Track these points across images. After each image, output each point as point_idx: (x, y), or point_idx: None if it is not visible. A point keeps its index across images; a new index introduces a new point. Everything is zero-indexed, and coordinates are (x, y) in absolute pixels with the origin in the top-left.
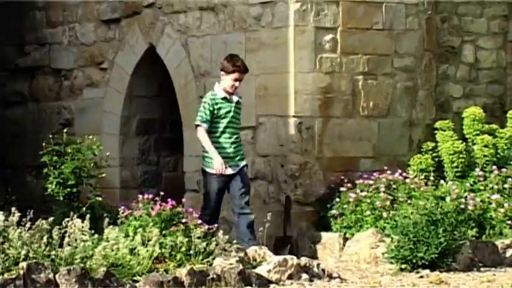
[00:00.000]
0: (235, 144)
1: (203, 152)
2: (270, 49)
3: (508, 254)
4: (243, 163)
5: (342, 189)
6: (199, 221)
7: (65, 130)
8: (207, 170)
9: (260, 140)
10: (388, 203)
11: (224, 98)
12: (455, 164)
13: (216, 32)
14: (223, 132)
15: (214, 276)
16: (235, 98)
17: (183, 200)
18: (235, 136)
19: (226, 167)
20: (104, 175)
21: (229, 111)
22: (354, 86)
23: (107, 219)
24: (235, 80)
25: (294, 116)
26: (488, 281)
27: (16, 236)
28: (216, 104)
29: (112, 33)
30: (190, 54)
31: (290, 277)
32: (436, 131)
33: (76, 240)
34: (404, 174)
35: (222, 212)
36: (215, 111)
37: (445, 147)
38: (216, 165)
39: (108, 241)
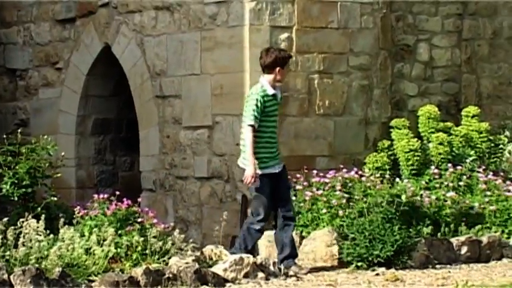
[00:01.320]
0: (277, 144)
1: (243, 152)
2: (225, 48)
3: (463, 251)
4: (282, 162)
5: (298, 187)
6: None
7: (19, 130)
8: (259, 171)
9: (216, 139)
10: (344, 201)
11: (273, 95)
12: (410, 162)
13: (172, 31)
14: (268, 131)
15: (170, 275)
16: (279, 95)
17: (139, 199)
18: (276, 134)
19: (256, 179)
20: (59, 175)
21: (275, 109)
22: (310, 85)
23: (62, 219)
24: (279, 72)
25: None
26: (444, 278)
27: None
28: (266, 101)
29: (67, 32)
30: (146, 53)
31: (246, 276)
32: (391, 129)
33: (31, 240)
34: (360, 172)
35: (178, 211)
36: (265, 109)
37: (401, 145)
38: (248, 174)
39: (64, 241)
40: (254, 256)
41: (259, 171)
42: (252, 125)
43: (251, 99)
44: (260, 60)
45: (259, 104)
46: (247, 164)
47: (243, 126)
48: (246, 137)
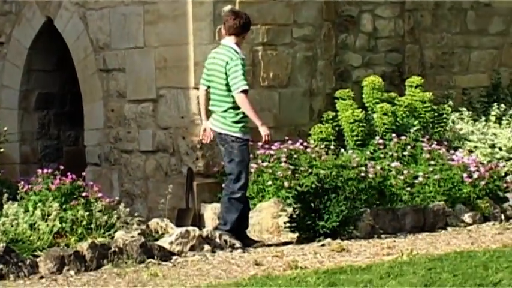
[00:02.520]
0: None
1: (236, 117)
2: (169, 21)
3: (407, 221)
4: None
5: None
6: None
7: None
8: (245, 136)
9: (161, 112)
10: (289, 172)
11: (243, 58)
12: (355, 133)
13: (114, 4)
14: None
15: (116, 249)
16: None
17: (84, 173)
18: None
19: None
20: (2, 150)
21: None
22: (254, 57)
23: (6, 195)
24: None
25: (194, 88)
26: (389, 248)
27: None
28: (243, 65)
29: (8, 6)
30: (89, 27)
31: (192, 248)
32: (336, 100)
33: None
34: (305, 143)
35: (123, 185)
36: None
37: (345, 116)
38: (266, 132)
39: (8, 217)
40: (246, 227)
41: (244, 136)
42: (246, 90)
43: (235, 65)
44: (233, 22)
45: (244, 69)
46: (246, 125)
47: (230, 94)
48: (245, 102)
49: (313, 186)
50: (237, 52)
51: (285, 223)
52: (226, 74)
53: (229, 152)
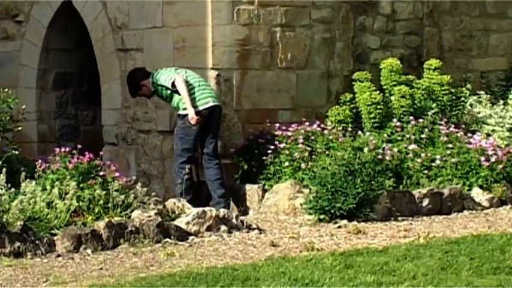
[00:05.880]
0: None
1: None
2: (187, 1)
3: (424, 204)
4: None
5: (260, 141)
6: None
7: None
8: None
9: None
10: (306, 154)
11: None
12: (372, 115)
13: None
14: None
15: (133, 228)
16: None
17: (101, 153)
18: None
19: None
20: (20, 128)
21: None
22: (272, 38)
23: (23, 173)
24: None
25: (212, 68)
26: (405, 230)
27: None
28: None
29: None
30: (107, 6)
31: (209, 229)
32: (353, 82)
33: None
34: (322, 125)
35: (140, 165)
36: None
37: (363, 98)
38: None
39: (25, 195)
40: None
41: None
42: None
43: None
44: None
45: None
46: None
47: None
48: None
49: (330, 168)
50: None
51: (301, 204)
52: None
53: (219, 123)
